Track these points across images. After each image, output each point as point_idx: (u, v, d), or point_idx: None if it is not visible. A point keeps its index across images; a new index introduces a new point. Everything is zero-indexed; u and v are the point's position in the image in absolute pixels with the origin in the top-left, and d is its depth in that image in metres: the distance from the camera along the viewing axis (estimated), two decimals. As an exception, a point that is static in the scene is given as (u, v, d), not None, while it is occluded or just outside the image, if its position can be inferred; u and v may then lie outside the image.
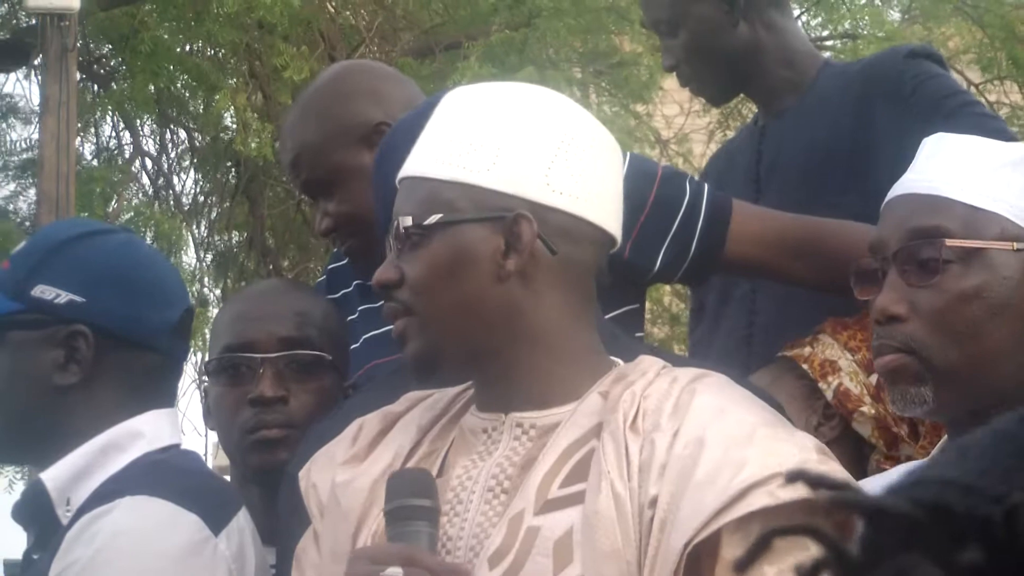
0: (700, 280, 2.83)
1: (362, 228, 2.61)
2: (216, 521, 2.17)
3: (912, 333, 1.98)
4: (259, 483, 2.60)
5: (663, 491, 1.88)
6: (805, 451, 1.92)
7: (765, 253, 2.67)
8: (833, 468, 1.93)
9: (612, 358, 2.09)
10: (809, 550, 1.86)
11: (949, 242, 1.98)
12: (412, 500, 1.93)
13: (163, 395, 2.30)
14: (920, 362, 1.98)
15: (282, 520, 2.27)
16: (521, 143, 1.99)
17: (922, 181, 2.05)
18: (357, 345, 2.82)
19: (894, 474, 2.19)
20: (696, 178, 2.75)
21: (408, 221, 1.99)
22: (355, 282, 2.92)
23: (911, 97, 2.86)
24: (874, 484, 2.19)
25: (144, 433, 2.24)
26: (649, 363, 2.05)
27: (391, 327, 2.67)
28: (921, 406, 1.99)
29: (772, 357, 2.75)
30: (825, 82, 3.00)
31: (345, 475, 2.06)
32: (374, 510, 2.02)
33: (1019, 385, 1.97)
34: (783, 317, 2.85)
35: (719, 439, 1.90)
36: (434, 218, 1.98)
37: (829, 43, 11.13)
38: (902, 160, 2.73)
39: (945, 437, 2.09)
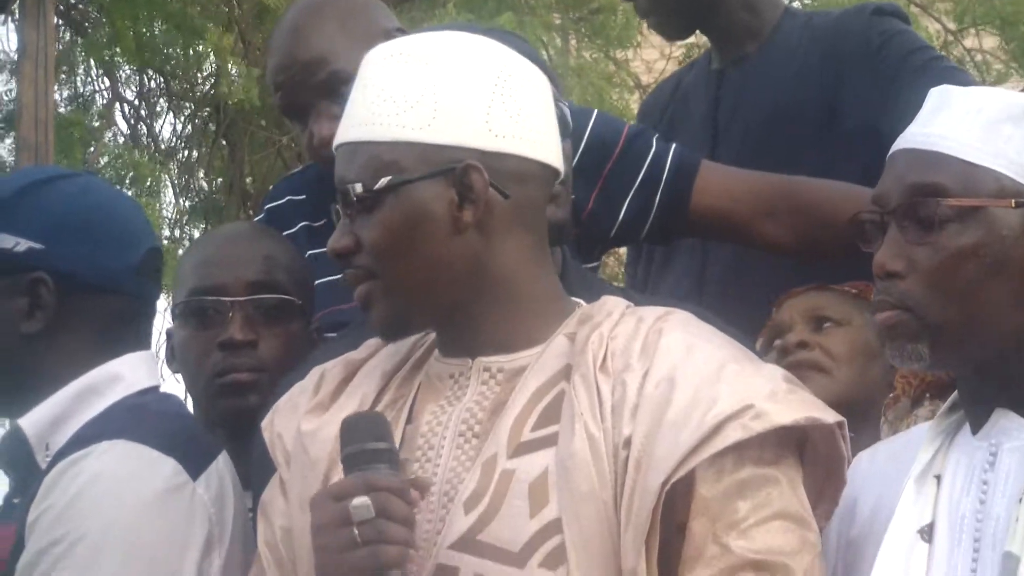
0: (667, 239, 2.81)
1: None
2: (194, 465, 2.17)
3: (909, 290, 1.99)
4: (226, 428, 2.60)
5: (636, 431, 1.90)
6: (774, 381, 1.95)
7: (734, 207, 2.64)
8: (803, 396, 1.96)
9: (574, 299, 2.10)
10: (780, 484, 1.89)
11: (946, 201, 1.98)
12: (369, 444, 1.93)
13: (137, 338, 2.30)
14: (916, 319, 1.98)
15: (255, 467, 2.27)
16: (457, 93, 2.00)
17: (922, 135, 2.05)
18: None
19: (913, 432, 2.21)
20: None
21: (358, 187, 2.00)
22: (302, 223, 2.91)
23: (878, 53, 2.87)
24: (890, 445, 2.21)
25: (122, 376, 2.24)
26: (613, 303, 2.07)
27: (342, 274, 2.66)
28: (918, 362, 2.00)
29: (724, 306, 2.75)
30: (789, 32, 2.98)
31: (310, 424, 2.07)
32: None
33: (1018, 341, 1.98)
34: (738, 271, 2.86)
35: (689, 377, 1.92)
36: (383, 181, 1.98)
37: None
38: (869, 116, 2.75)
39: (956, 392, 2.10)
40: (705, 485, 1.90)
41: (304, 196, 2.96)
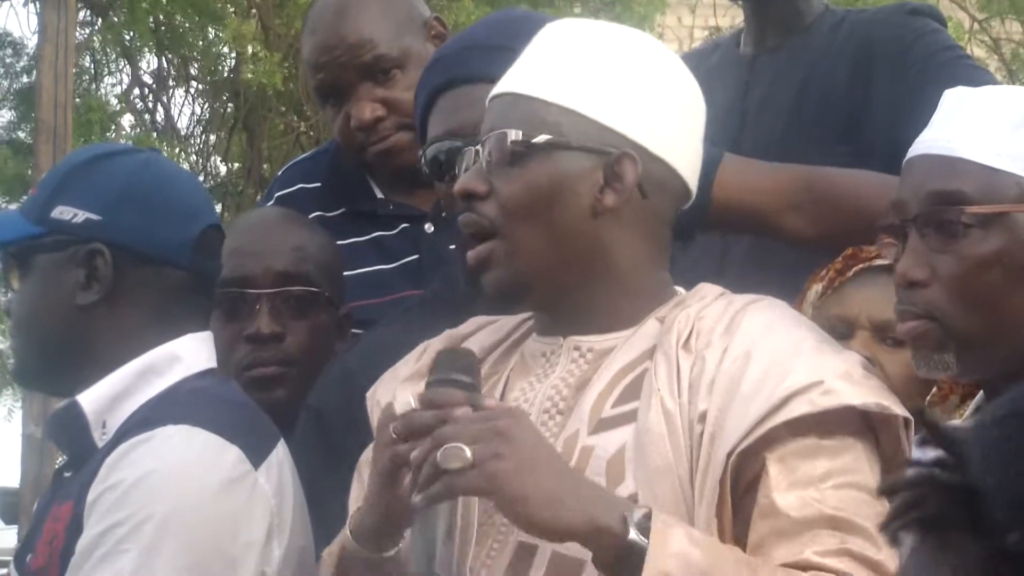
0: (687, 234, 2.66)
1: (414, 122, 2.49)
2: (256, 454, 2.16)
3: (933, 299, 1.96)
4: None
5: (712, 406, 1.90)
6: (849, 364, 1.95)
7: (757, 201, 2.57)
8: (878, 384, 1.96)
9: (676, 287, 2.11)
10: (858, 458, 1.88)
11: (968, 209, 1.95)
12: (454, 374, 1.92)
13: (195, 316, 2.27)
14: (941, 329, 1.95)
15: (300, 451, 2.27)
16: (635, 86, 2.02)
17: (940, 140, 2.01)
18: None
19: None
20: None
21: (517, 135, 1.98)
22: (316, 213, 2.87)
23: (909, 49, 2.85)
24: None
25: (182, 357, 2.23)
26: (708, 289, 2.09)
27: (365, 269, 2.57)
28: (945, 371, 1.98)
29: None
30: (825, 26, 2.97)
31: (406, 393, 2.05)
32: None
33: None
34: (760, 257, 2.78)
35: (765, 352, 1.92)
36: (543, 138, 1.98)
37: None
38: (897, 112, 2.74)
39: (980, 394, 2.07)
40: (776, 452, 1.88)
41: (319, 184, 2.93)
